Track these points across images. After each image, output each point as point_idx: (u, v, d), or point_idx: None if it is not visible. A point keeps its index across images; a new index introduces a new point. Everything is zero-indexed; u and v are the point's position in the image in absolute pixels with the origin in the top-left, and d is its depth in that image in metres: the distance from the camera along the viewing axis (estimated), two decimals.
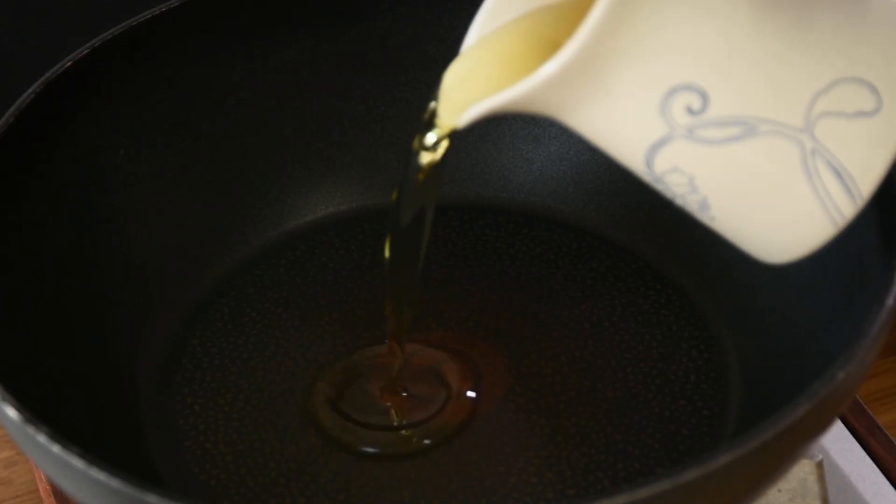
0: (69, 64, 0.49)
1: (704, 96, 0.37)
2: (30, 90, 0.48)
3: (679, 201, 0.40)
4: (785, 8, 0.38)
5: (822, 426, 0.40)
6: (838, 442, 0.53)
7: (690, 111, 0.37)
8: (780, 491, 0.48)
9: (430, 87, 0.57)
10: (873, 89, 0.38)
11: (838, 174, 0.38)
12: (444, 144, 0.43)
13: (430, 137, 0.43)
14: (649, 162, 0.39)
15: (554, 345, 0.51)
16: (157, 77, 0.53)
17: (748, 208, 0.39)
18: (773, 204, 0.39)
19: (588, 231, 0.56)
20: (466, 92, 0.42)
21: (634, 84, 0.37)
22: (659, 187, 0.40)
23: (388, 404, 0.50)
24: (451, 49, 0.56)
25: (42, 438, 0.38)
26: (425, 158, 0.44)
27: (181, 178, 0.54)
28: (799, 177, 0.38)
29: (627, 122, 0.38)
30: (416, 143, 0.44)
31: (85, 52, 0.50)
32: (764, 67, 0.37)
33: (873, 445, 0.53)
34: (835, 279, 0.47)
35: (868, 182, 0.38)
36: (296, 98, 0.56)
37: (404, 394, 0.50)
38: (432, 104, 0.43)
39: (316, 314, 0.53)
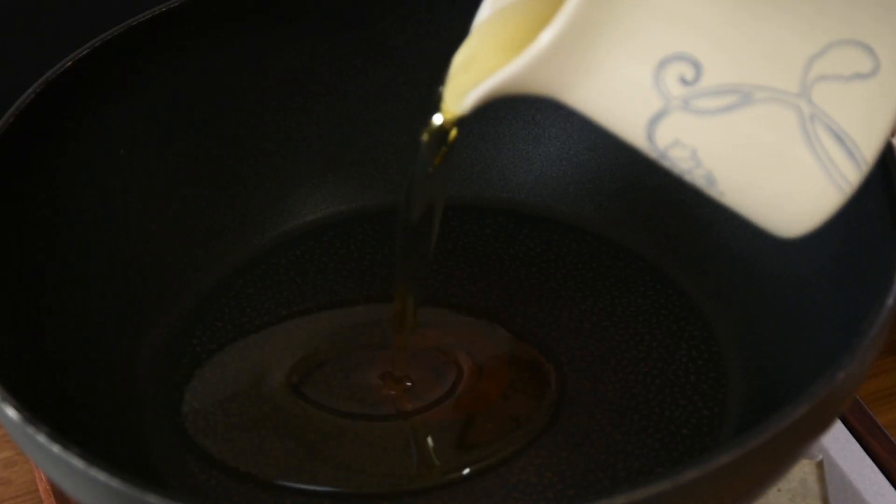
0: (69, 63, 0.49)
1: (697, 65, 0.37)
2: (30, 90, 0.48)
3: (687, 177, 0.39)
4: None
5: (822, 426, 0.40)
6: (838, 442, 0.53)
7: (684, 81, 0.37)
8: (780, 491, 0.48)
9: (430, 87, 0.57)
10: (870, 51, 0.37)
11: (839, 139, 0.37)
12: (453, 133, 0.43)
13: (437, 119, 0.43)
14: (651, 137, 0.38)
15: (554, 344, 0.51)
16: (157, 77, 0.53)
17: (753, 180, 0.38)
18: (776, 173, 0.38)
19: (588, 231, 0.56)
20: (469, 76, 0.42)
21: (626, 56, 0.37)
22: (665, 163, 0.39)
23: (392, 392, 0.50)
24: (451, 49, 0.56)
25: (42, 438, 0.38)
26: (433, 147, 0.43)
27: (181, 177, 0.54)
28: (799, 143, 0.37)
29: (624, 97, 0.38)
30: (424, 135, 0.44)
31: (85, 52, 0.50)
32: (756, 33, 0.37)
33: (873, 445, 0.53)
34: (835, 279, 0.47)
35: (871, 146, 0.38)
36: (296, 98, 0.56)
37: (408, 384, 0.50)
38: (440, 88, 0.43)
39: (316, 314, 0.53)
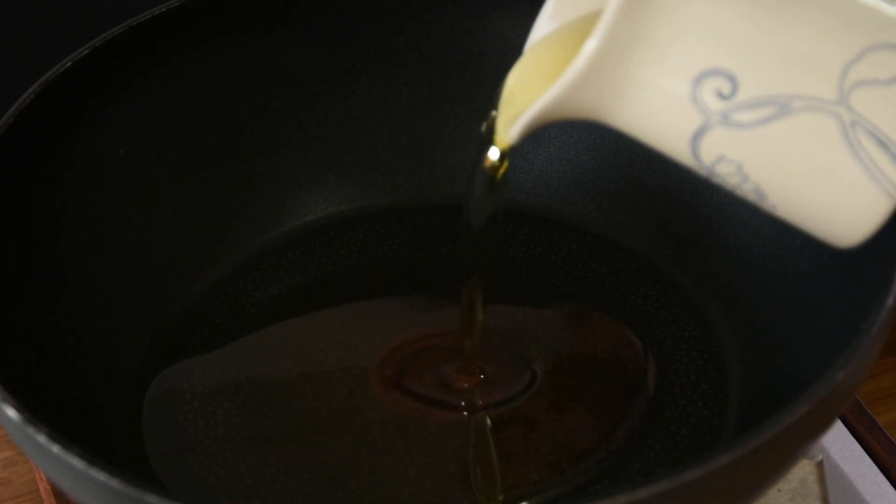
0: (69, 64, 0.49)
1: (733, 79, 0.37)
2: (30, 90, 0.48)
3: (738, 192, 0.39)
4: None
5: (822, 426, 0.40)
6: (838, 442, 0.53)
7: (721, 96, 0.37)
8: (780, 491, 0.48)
9: (431, 87, 0.57)
10: None
11: (882, 144, 0.37)
12: (505, 164, 0.44)
13: (494, 153, 0.44)
14: (696, 153, 0.38)
15: (554, 343, 0.51)
16: (157, 77, 0.53)
17: (801, 191, 0.38)
18: (823, 183, 0.38)
19: (588, 231, 0.56)
20: (516, 104, 0.42)
21: (663, 73, 0.37)
22: (715, 180, 0.39)
23: (465, 385, 0.50)
24: (451, 49, 0.56)
25: (42, 439, 0.38)
26: (489, 173, 0.44)
27: (181, 177, 0.54)
28: (843, 151, 0.37)
29: (665, 115, 0.38)
30: (484, 161, 0.44)
31: (85, 52, 0.50)
32: (790, 43, 0.37)
33: (873, 445, 0.53)
34: (835, 279, 0.47)
35: None
36: (296, 98, 0.56)
37: (481, 376, 0.50)
38: (493, 113, 0.43)
39: (316, 313, 0.54)
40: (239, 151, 0.55)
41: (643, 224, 0.55)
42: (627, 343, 0.51)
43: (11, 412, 0.39)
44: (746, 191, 0.39)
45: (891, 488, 0.52)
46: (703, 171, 0.39)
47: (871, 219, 0.38)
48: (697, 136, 0.38)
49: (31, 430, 0.38)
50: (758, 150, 0.37)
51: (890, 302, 0.40)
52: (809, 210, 0.39)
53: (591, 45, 0.37)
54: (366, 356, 0.51)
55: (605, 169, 0.56)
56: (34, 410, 0.39)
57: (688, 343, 0.51)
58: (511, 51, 0.56)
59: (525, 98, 0.42)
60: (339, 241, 0.56)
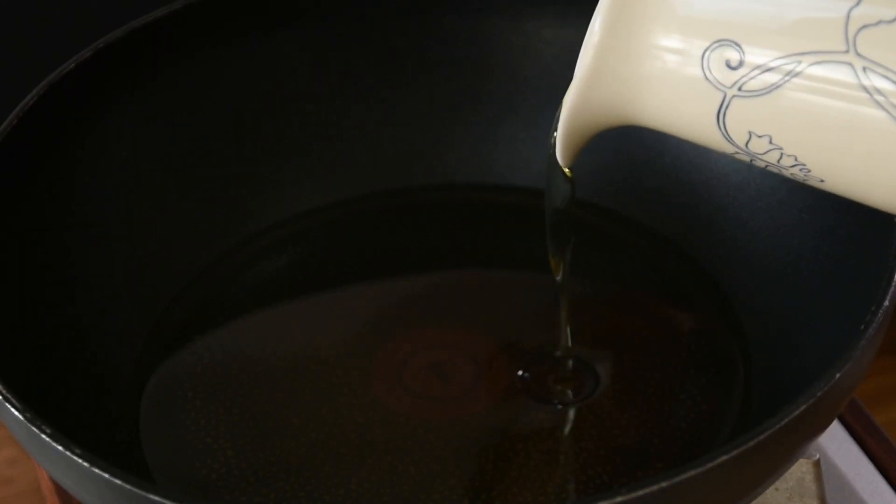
0: (72, 66, 0.49)
1: (737, 47, 0.36)
2: (33, 92, 0.48)
3: (786, 173, 0.38)
4: None
5: (820, 426, 0.40)
6: (836, 441, 0.53)
7: (730, 66, 0.37)
8: (777, 490, 0.48)
9: (430, 87, 0.57)
10: None
11: None
12: (570, 176, 0.45)
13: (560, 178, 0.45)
14: (727, 136, 0.38)
15: (553, 341, 0.52)
16: (159, 78, 0.53)
17: (837, 151, 0.37)
18: (856, 139, 0.37)
19: (588, 230, 0.56)
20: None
21: (669, 58, 0.37)
22: (759, 164, 0.39)
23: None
24: (451, 49, 0.56)
25: (45, 437, 0.38)
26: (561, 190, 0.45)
27: (182, 177, 0.54)
28: (863, 100, 0.36)
29: (684, 101, 0.38)
30: (554, 177, 0.45)
31: (88, 55, 0.50)
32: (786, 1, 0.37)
33: (870, 445, 0.53)
34: (833, 280, 0.47)
35: None
36: (296, 99, 0.56)
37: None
38: (554, 135, 0.43)
39: (316, 312, 0.54)
40: (240, 152, 0.56)
41: (643, 223, 0.56)
42: (626, 340, 0.52)
43: (15, 411, 0.39)
44: (789, 168, 0.38)
45: (887, 487, 0.52)
46: (741, 157, 0.38)
47: None
48: (721, 115, 0.37)
49: (34, 429, 0.38)
50: (781, 117, 0.37)
51: (887, 303, 0.40)
52: (852, 172, 0.38)
53: (590, 40, 0.37)
54: (367, 353, 0.51)
55: (604, 169, 0.56)
56: (37, 409, 0.39)
57: (687, 338, 0.51)
58: (512, 53, 0.56)
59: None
60: (340, 241, 0.56)
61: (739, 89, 0.37)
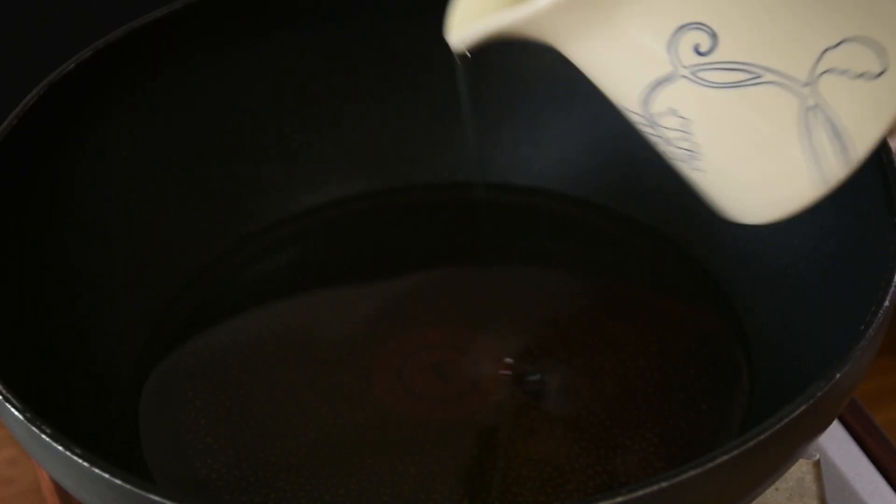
0: (72, 66, 0.50)
1: (714, 37, 0.37)
2: (33, 92, 0.48)
3: (665, 148, 0.39)
4: None
5: (820, 426, 0.40)
6: (836, 441, 0.53)
7: (698, 51, 0.37)
8: (777, 490, 0.48)
9: (430, 87, 0.57)
10: (882, 51, 0.37)
11: (836, 133, 0.37)
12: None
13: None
14: (646, 101, 0.38)
15: (553, 341, 0.52)
16: (159, 78, 0.53)
17: (738, 160, 0.39)
18: (764, 157, 0.38)
19: (586, 227, 0.56)
20: (471, 7, 0.42)
21: (644, 19, 0.37)
22: (647, 130, 0.39)
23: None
24: (451, 49, 0.56)
25: (45, 437, 0.38)
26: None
27: (183, 177, 0.54)
28: (794, 130, 0.37)
29: (631, 58, 0.38)
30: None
31: (88, 55, 0.50)
32: (778, 15, 0.37)
33: (870, 445, 0.53)
34: (832, 281, 0.47)
35: (864, 145, 0.38)
36: (296, 98, 0.56)
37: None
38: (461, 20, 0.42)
39: (315, 312, 0.54)
40: (240, 151, 0.56)
41: (642, 224, 0.56)
42: (626, 340, 0.52)
43: (15, 411, 0.39)
44: (677, 148, 0.39)
45: (887, 487, 0.52)
46: (638, 118, 0.39)
47: (799, 201, 0.39)
48: (657, 85, 0.38)
49: (34, 429, 0.38)
50: (714, 112, 0.38)
51: (887, 303, 0.40)
52: (737, 180, 0.39)
53: None
54: (367, 353, 0.52)
55: (604, 168, 0.56)
56: (37, 409, 0.39)
57: (686, 338, 0.51)
58: (512, 53, 0.56)
59: (483, 3, 0.41)
60: (340, 240, 0.56)
61: (694, 74, 0.37)
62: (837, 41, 0.37)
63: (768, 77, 0.37)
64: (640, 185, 0.56)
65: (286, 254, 0.56)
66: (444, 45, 0.56)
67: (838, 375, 0.38)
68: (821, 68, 0.37)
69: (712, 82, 0.37)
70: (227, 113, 0.55)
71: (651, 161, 0.55)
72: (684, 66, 0.37)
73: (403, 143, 0.57)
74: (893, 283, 0.41)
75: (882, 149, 0.44)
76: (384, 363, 0.51)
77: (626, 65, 0.38)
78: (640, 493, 0.35)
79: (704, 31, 0.37)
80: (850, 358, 0.38)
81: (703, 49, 0.37)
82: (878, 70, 0.38)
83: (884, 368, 0.60)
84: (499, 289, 0.54)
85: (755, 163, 0.38)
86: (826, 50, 0.37)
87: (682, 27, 0.37)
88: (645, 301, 0.53)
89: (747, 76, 0.37)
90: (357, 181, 0.57)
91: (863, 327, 0.39)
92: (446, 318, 0.53)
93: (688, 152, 0.39)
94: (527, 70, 0.57)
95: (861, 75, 0.37)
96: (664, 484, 0.35)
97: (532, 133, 0.57)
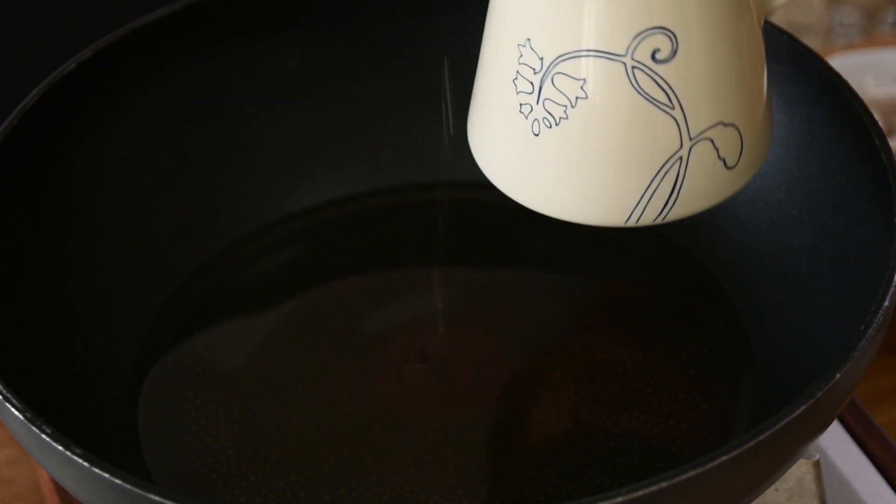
0: (73, 66, 0.50)
1: (675, 52, 0.39)
2: (33, 92, 0.48)
3: (524, 99, 0.42)
4: None
5: (820, 426, 0.40)
6: (835, 441, 0.53)
7: (654, 56, 0.39)
8: (777, 490, 0.48)
9: (430, 87, 0.57)
10: (741, 149, 0.41)
11: (674, 189, 0.41)
12: None
13: None
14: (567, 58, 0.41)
15: (553, 340, 0.52)
16: (159, 79, 0.53)
17: (596, 153, 0.41)
18: (622, 166, 0.41)
19: (588, 230, 0.56)
20: None
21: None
22: (526, 75, 0.41)
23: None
24: (450, 49, 0.56)
25: (45, 437, 0.38)
26: None
27: (183, 177, 0.54)
28: (658, 165, 0.40)
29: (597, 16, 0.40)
30: None
31: (88, 55, 0.50)
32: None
33: (870, 445, 0.53)
34: (832, 281, 0.47)
35: (676, 212, 0.42)
36: (296, 99, 0.56)
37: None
38: None
39: (315, 311, 0.54)
40: (240, 152, 0.56)
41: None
42: (627, 340, 0.52)
43: (15, 411, 0.39)
44: (552, 113, 0.41)
45: (887, 487, 0.52)
46: (535, 65, 0.41)
47: (600, 216, 0.43)
48: (598, 56, 0.40)
49: (34, 429, 0.38)
50: (617, 106, 0.40)
51: (887, 304, 0.40)
52: (576, 167, 0.42)
53: None
54: (367, 353, 0.52)
55: None
56: (37, 409, 0.39)
57: (687, 338, 0.51)
58: None
59: None
60: (340, 240, 0.56)
61: (632, 68, 0.39)
62: (729, 121, 0.41)
63: (678, 114, 0.40)
64: None
65: (285, 254, 0.56)
66: (444, 46, 0.57)
67: (838, 375, 0.38)
68: (706, 134, 0.40)
69: (640, 86, 0.40)
70: (227, 112, 0.55)
71: None
72: (633, 59, 0.39)
73: (403, 143, 0.57)
74: (893, 283, 0.41)
75: (882, 149, 0.44)
76: (383, 363, 0.51)
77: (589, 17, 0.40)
78: (640, 493, 0.35)
79: (668, 35, 0.39)
80: (850, 358, 0.38)
81: (658, 57, 0.39)
82: (732, 164, 0.41)
83: (884, 368, 0.60)
84: (498, 289, 0.54)
85: (607, 165, 0.41)
86: (719, 122, 0.40)
87: (650, 29, 0.39)
88: (645, 301, 0.53)
89: (668, 103, 0.40)
90: (356, 180, 0.57)
91: (863, 327, 0.39)
92: (446, 319, 0.53)
93: (550, 118, 0.41)
94: None
95: (722, 160, 0.41)
96: (664, 484, 0.35)
97: None
